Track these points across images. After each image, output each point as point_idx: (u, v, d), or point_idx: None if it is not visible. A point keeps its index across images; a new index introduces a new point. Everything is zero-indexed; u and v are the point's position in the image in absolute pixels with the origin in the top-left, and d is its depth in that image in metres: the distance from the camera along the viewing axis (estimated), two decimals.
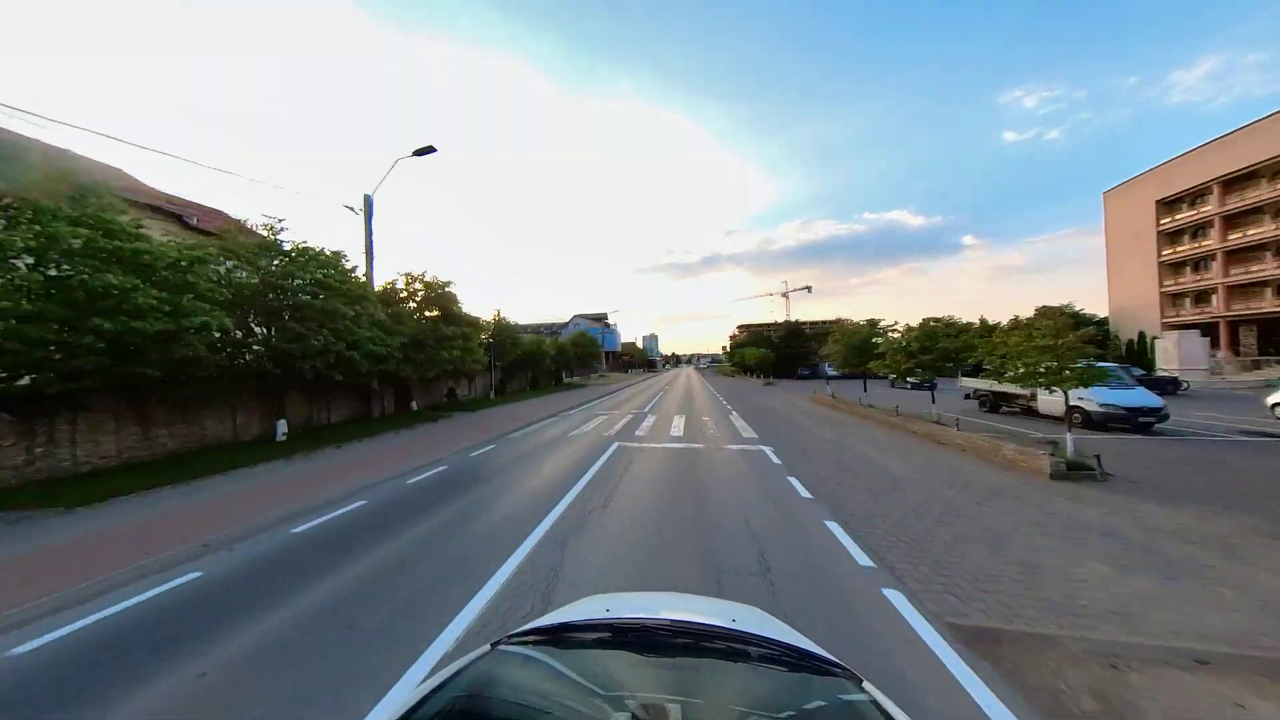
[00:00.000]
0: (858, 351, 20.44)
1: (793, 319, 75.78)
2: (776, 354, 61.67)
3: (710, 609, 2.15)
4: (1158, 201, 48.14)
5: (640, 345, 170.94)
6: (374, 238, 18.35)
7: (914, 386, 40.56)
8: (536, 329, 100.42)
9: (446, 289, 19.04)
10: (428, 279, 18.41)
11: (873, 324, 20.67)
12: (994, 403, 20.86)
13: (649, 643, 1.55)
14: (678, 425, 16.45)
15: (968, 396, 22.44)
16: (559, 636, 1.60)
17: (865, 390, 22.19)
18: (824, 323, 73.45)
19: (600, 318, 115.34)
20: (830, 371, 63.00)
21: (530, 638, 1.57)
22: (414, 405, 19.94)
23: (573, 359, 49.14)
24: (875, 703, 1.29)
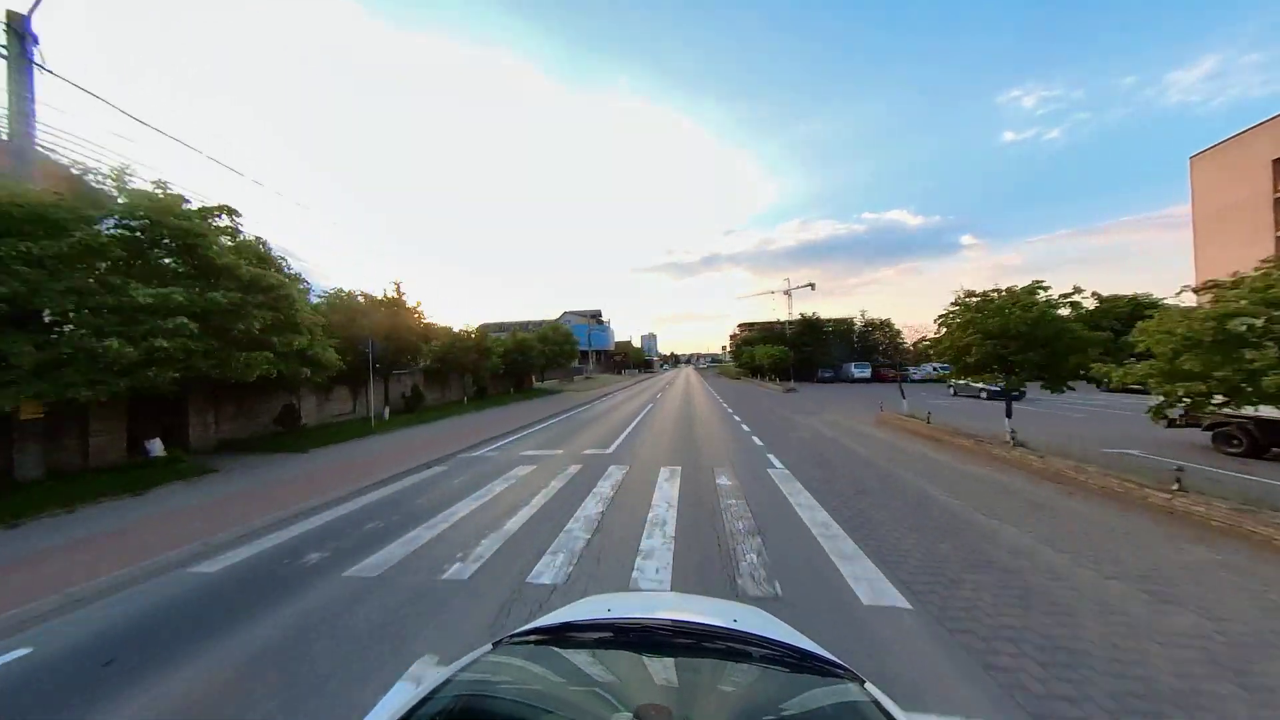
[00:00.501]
0: (1015, 343, 10.70)
1: (799, 315, 65.00)
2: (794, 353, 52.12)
3: (712, 609, 2.11)
4: (1276, 161, 38.57)
5: (638, 345, 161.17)
6: (34, 93, 8.84)
7: (991, 395, 30.17)
8: (523, 326, 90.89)
9: (207, 219, 9.31)
10: (150, 190, 8.53)
11: (1030, 290, 11.01)
12: (1257, 442, 11.27)
13: (650, 643, 1.53)
14: (663, 513, 6.90)
15: (1173, 424, 12.81)
16: (560, 636, 1.59)
17: (1010, 412, 12.33)
18: (833, 321, 62.81)
19: (594, 315, 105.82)
20: (857, 373, 50.35)
21: (531, 637, 1.56)
22: (151, 449, 10.26)
23: (538, 359, 39.27)
24: (877, 703, 1.27)
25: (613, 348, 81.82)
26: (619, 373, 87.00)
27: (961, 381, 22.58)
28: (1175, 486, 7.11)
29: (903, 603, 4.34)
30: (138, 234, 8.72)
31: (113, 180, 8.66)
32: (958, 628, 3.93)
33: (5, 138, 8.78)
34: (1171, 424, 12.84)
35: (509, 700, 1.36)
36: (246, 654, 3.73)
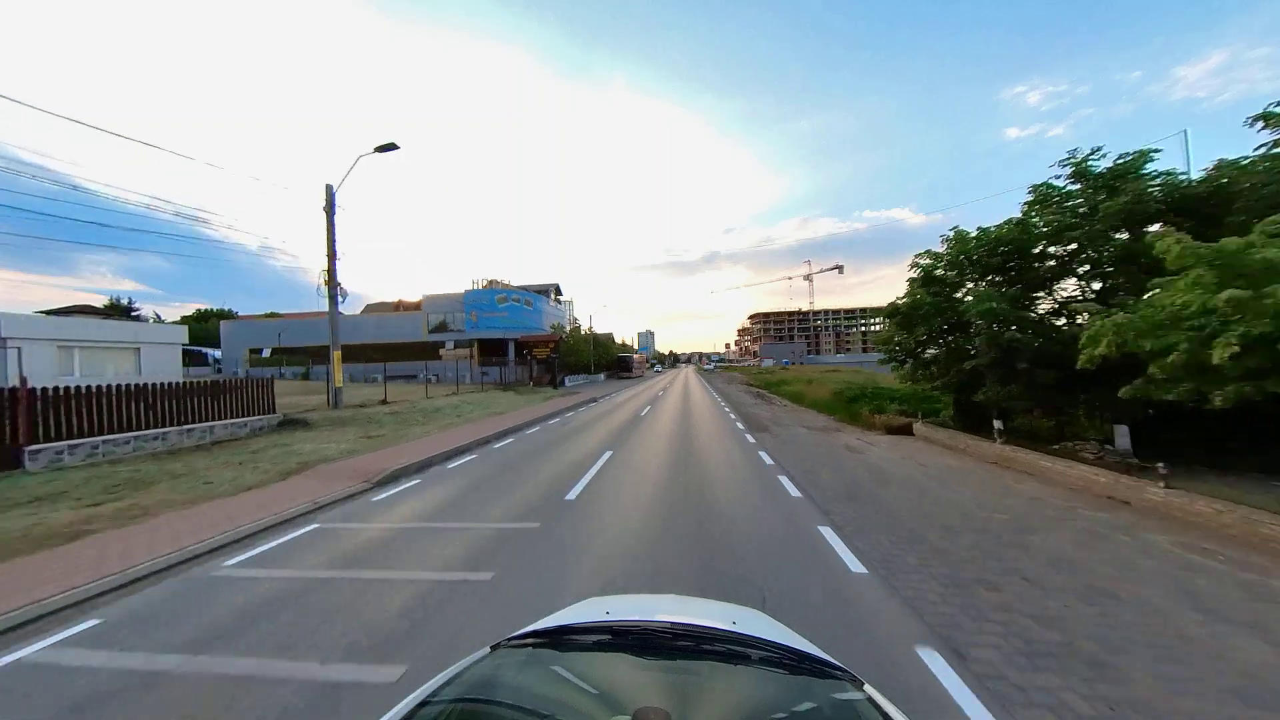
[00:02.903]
0: None
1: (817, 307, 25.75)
2: (1038, 355, 10.16)
3: (711, 611, 2.16)
4: None
5: (629, 341, 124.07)
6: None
7: None
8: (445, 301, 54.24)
9: None
10: None
11: None
12: None
13: (649, 645, 1.52)
14: None
15: None
16: (559, 639, 1.60)
17: None
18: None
19: (545, 290, 68.99)
20: None
21: (530, 640, 1.58)
22: None
23: None
24: (876, 705, 1.29)
25: (549, 332, 45.12)
26: (536, 383, 40.02)
27: None
28: None
29: None
30: None
31: None
32: None
33: None
34: None
35: (507, 704, 1.33)
36: None
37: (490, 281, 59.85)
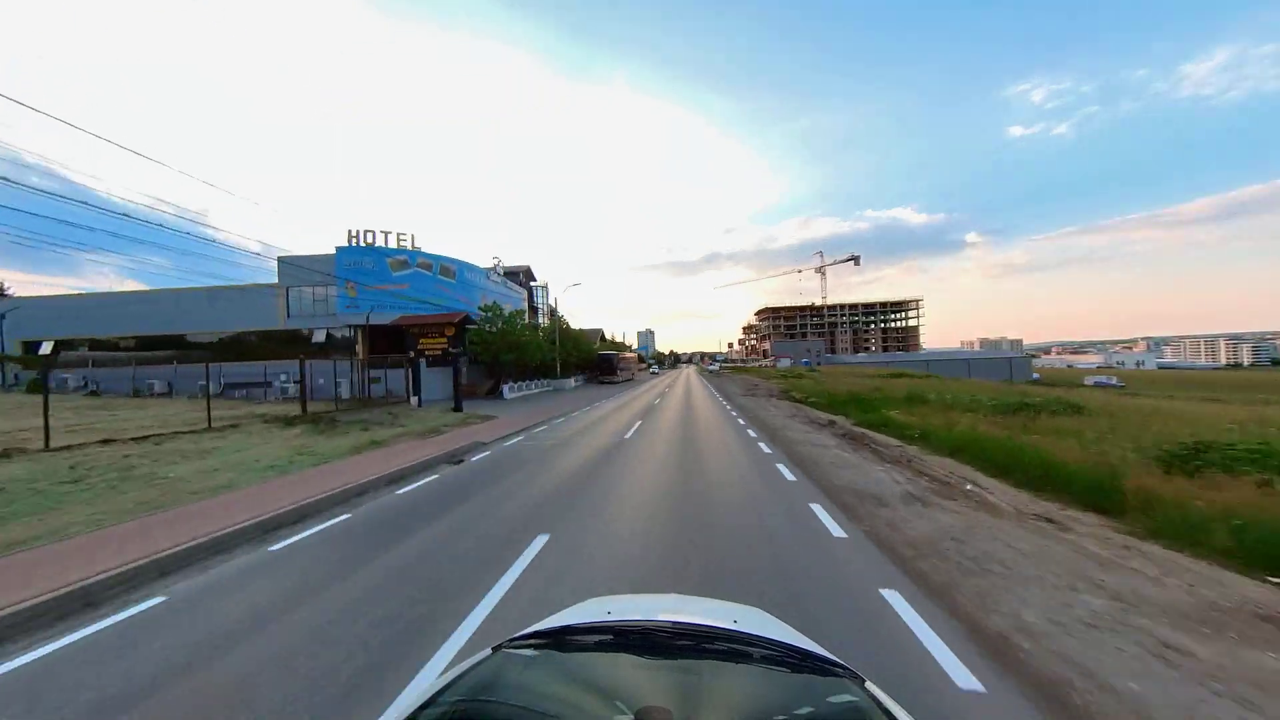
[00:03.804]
0: None
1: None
2: None
3: (712, 610, 2.14)
4: None
5: (629, 341, 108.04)
6: None
7: None
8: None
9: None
10: None
11: None
12: None
13: (650, 644, 1.52)
14: None
15: None
16: (560, 639, 1.59)
17: None
18: None
19: (513, 272, 52.88)
20: None
21: (532, 641, 1.58)
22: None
23: None
24: (877, 703, 1.28)
25: (481, 311, 28.77)
26: (472, 392, 26.35)
27: None
28: None
29: None
30: None
31: None
32: None
33: None
34: None
35: (509, 705, 1.32)
36: None
37: (422, 252, 43.11)
